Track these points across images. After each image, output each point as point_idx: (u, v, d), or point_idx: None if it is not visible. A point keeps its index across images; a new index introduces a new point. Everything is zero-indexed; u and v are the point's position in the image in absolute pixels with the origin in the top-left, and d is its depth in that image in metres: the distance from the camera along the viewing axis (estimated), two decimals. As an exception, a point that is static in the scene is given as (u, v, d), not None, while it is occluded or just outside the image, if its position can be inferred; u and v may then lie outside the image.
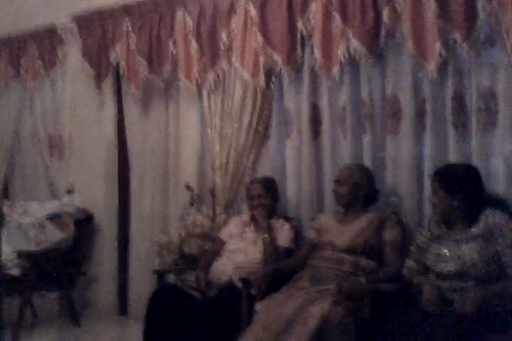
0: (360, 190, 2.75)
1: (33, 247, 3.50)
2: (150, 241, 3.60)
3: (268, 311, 2.46)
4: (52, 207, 3.81)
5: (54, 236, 3.57)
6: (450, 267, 2.23)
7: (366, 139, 2.97)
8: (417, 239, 2.46)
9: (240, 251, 2.97)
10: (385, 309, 2.29)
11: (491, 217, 2.23)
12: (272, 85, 3.25)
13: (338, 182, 2.78)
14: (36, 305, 3.76)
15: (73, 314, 3.68)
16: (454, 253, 2.25)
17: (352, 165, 2.85)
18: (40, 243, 3.54)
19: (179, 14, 3.52)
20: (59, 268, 3.59)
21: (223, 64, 3.39)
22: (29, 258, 3.43)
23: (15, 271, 3.38)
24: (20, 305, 3.41)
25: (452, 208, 2.30)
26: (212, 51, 3.42)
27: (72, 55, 4.10)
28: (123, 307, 3.88)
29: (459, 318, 2.04)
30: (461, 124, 2.72)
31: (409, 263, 2.44)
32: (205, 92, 3.50)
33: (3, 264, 3.07)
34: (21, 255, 3.41)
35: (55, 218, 3.70)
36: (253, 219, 3.08)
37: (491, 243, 2.19)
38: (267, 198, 3.05)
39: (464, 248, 2.23)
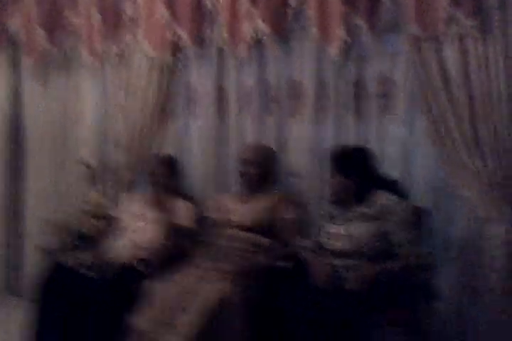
0: (269, 173, 2.78)
1: None
2: (44, 219, 3.43)
3: (165, 290, 2.44)
4: None
5: None
6: (342, 245, 2.31)
7: (270, 121, 3.00)
8: (312, 217, 2.53)
9: (140, 230, 2.90)
10: (281, 286, 2.33)
11: (382, 198, 2.32)
12: (177, 62, 3.17)
13: (248, 163, 2.77)
14: None
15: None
16: (346, 231, 2.33)
17: (260, 146, 2.86)
18: None
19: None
20: None
21: (127, 37, 3.25)
22: None
23: None
24: None
25: (346, 188, 2.37)
26: (115, 24, 3.28)
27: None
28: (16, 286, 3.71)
29: (350, 294, 2.12)
30: (360, 109, 2.81)
31: (305, 241, 2.51)
32: (107, 66, 3.36)
33: None
34: None
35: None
36: (154, 198, 3.01)
37: (381, 223, 2.28)
38: (168, 177, 3.00)
39: (356, 227, 2.32)
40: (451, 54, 2.54)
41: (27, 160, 3.70)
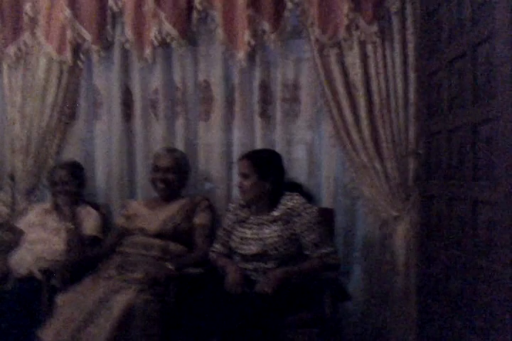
0: (185, 178, 2.76)
1: None
2: None
3: (70, 303, 2.33)
4: None
5: None
6: (253, 249, 2.32)
7: (178, 124, 2.96)
8: (223, 222, 2.52)
9: (41, 241, 2.76)
10: (191, 293, 2.30)
11: (290, 201, 2.34)
12: (79, 63, 3.04)
13: (165, 170, 2.70)
14: None
15: None
16: (256, 235, 2.34)
17: (175, 152, 2.79)
18: None
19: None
20: None
21: (26, 37, 3.10)
22: None
23: None
24: None
25: (262, 192, 2.37)
26: (14, 23, 3.11)
27: None
28: None
29: (261, 298, 2.12)
30: (267, 113, 2.84)
31: (217, 246, 2.50)
32: (5, 67, 3.17)
33: None
34: None
35: None
36: (56, 206, 2.88)
37: (289, 225, 2.31)
38: (71, 184, 2.87)
39: (266, 230, 2.33)
40: (352, 59, 2.63)
41: None
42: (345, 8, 2.58)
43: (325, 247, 2.28)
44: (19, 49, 3.13)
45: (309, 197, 2.47)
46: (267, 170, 2.37)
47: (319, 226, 2.30)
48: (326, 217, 2.46)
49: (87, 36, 2.98)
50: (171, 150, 2.80)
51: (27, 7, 3.07)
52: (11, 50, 3.13)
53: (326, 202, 2.71)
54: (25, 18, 3.08)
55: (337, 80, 2.64)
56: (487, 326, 1.79)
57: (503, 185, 1.67)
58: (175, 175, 2.71)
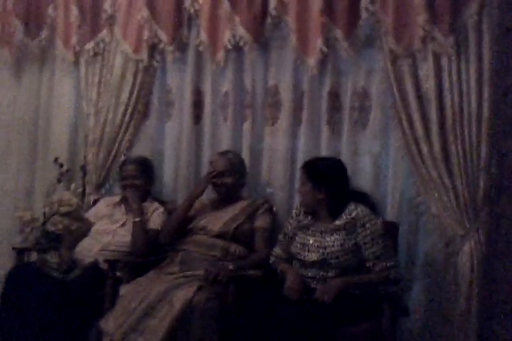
0: (242, 179, 2.80)
1: None
2: (12, 216, 3.36)
3: (132, 295, 2.43)
4: None
5: None
6: (313, 256, 2.33)
7: (246, 128, 3.00)
8: (285, 227, 2.55)
9: (108, 232, 2.88)
10: (251, 295, 2.34)
11: (354, 211, 2.34)
12: (154, 63, 3.14)
13: (221, 174, 2.74)
14: None
15: None
16: (318, 243, 2.35)
17: (229, 155, 2.83)
18: None
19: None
20: None
21: (105, 34, 3.21)
22: None
23: None
24: None
25: (318, 200, 2.39)
26: (94, 20, 3.24)
27: None
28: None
29: (319, 306, 2.14)
30: (335, 121, 2.84)
31: (277, 251, 2.53)
32: (83, 62, 3.31)
33: None
34: None
35: None
36: (124, 200, 2.98)
37: (352, 235, 2.31)
38: (140, 179, 2.96)
39: (328, 239, 2.34)
40: (425, 71, 2.59)
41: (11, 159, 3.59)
42: (421, 19, 2.55)
43: (387, 261, 2.26)
44: (97, 45, 3.25)
45: (374, 208, 2.46)
46: (321, 179, 2.37)
47: (383, 238, 2.29)
48: (390, 230, 2.44)
49: (163, 37, 3.06)
50: (225, 153, 2.84)
51: (106, 5, 3.18)
52: (90, 46, 3.25)
53: (390, 214, 2.68)
54: (104, 16, 3.19)
55: (409, 92, 2.61)
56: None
57: None
58: (232, 178, 2.74)
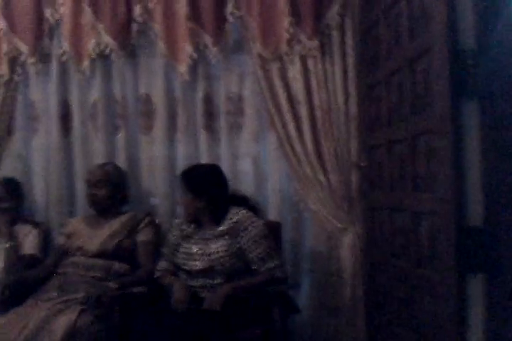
0: (118, 192, 2.67)
1: None
2: None
3: (10, 326, 2.21)
4: None
5: None
6: (199, 265, 2.28)
7: (119, 138, 2.90)
8: (168, 239, 2.47)
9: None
10: (136, 312, 2.24)
11: (235, 215, 2.32)
12: (16, 76, 2.94)
13: (95, 185, 2.62)
14: None
15: None
16: (202, 251, 2.31)
17: (106, 166, 2.71)
18: None
19: None
20: None
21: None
22: None
23: None
24: None
25: (199, 208, 2.35)
26: None
27: None
28: None
29: (209, 315, 2.09)
30: (211, 126, 2.83)
31: (162, 264, 2.45)
32: None
33: None
34: None
35: None
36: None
37: (236, 240, 2.29)
38: (9, 201, 2.76)
39: (212, 245, 2.30)
40: (293, 73, 2.66)
41: None
42: (286, 22, 2.62)
43: (272, 261, 2.26)
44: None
45: (256, 210, 2.45)
46: (199, 187, 2.34)
47: (266, 239, 2.29)
48: (273, 230, 2.45)
49: (24, 48, 2.89)
50: (102, 165, 2.72)
51: None
52: None
53: (272, 215, 2.71)
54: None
55: (280, 94, 2.66)
56: (430, 335, 1.83)
57: (442, 195, 1.72)
58: (106, 189, 2.62)
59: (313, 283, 2.70)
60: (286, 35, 2.63)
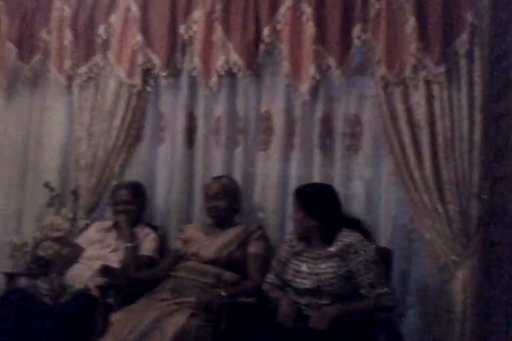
0: (234, 203, 2.79)
1: None
2: (2, 241, 3.33)
3: (124, 322, 2.38)
4: None
5: None
6: (307, 283, 2.31)
7: (238, 153, 3.01)
8: (278, 254, 2.53)
9: (99, 258, 2.83)
10: (243, 322, 2.31)
11: (347, 237, 2.33)
12: (148, 88, 3.15)
13: (214, 197, 2.75)
14: None
15: None
16: (311, 270, 2.33)
17: (222, 179, 2.84)
18: None
19: (57, 1, 3.29)
20: None
21: (98, 59, 3.22)
22: None
23: None
24: None
25: (310, 227, 2.39)
26: (87, 44, 3.24)
27: None
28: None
29: (313, 334, 2.11)
30: (327, 147, 2.87)
31: (271, 277, 2.51)
32: (75, 87, 3.30)
33: None
34: None
35: None
36: (116, 225, 2.96)
37: (346, 262, 2.30)
38: (133, 204, 2.95)
39: (321, 266, 2.32)
40: (417, 98, 2.64)
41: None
42: (413, 47, 2.60)
43: (382, 287, 2.25)
44: (91, 70, 3.25)
45: (367, 234, 2.45)
46: (313, 206, 2.38)
47: (377, 265, 2.28)
48: (383, 256, 2.43)
49: (157, 62, 3.08)
50: (219, 178, 2.85)
51: (100, 29, 3.19)
52: (83, 70, 3.25)
53: (383, 241, 2.69)
54: (98, 40, 3.20)
55: (401, 118, 2.65)
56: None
57: None
58: (224, 202, 2.75)
59: (420, 316, 2.64)
60: (412, 60, 2.61)
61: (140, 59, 3.09)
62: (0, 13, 3.44)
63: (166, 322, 2.31)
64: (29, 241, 3.15)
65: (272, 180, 2.94)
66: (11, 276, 2.96)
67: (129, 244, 2.82)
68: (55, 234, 3.08)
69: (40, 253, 3.04)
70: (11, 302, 2.68)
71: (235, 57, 2.91)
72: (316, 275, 2.31)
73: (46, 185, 3.29)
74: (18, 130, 3.49)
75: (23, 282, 3.07)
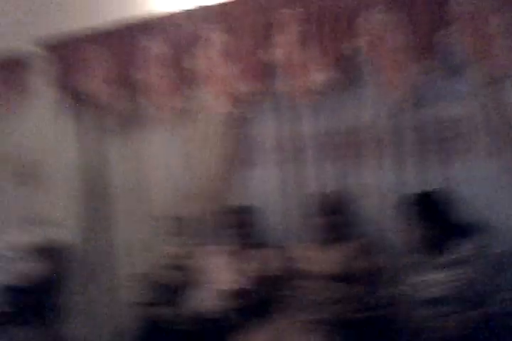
0: (345, 219, 2.86)
1: (14, 280, 3.46)
2: (130, 273, 3.54)
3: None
4: (29, 238, 3.71)
5: (33, 268, 3.52)
6: (432, 293, 2.32)
7: (340, 167, 3.05)
8: (396, 265, 2.54)
9: (225, 281, 2.95)
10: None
11: (468, 243, 2.32)
12: (244, 112, 3.24)
13: (325, 214, 2.82)
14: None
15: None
16: (434, 279, 2.34)
17: (336, 194, 2.91)
18: (20, 276, 3.49)
19: (150, 43, 3.45)
20: (41, 300, 3.52)
21: (193, 91, 3.34)
22: (15, 292, 3.40)
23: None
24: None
25: (428, 236, 2.39)
26: (179, 78, 3.36)
27: (38, 82, 3.98)
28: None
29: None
30: (440, 151, 2.82)
31: (393, 289, 2.52)
32: (173, 119, 3.45)
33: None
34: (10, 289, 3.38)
35: (33, 250, 3.63)
36: (236, 248, 3.06)
37: (469, 269, 2.28)
38: (249, 227, 3.07)
39: (444, 274, 2.32)
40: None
41: (114, 217, 3.79)
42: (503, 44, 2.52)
43: (506, 292, 2.23)
44: (184, 102, 3.37)
45: (487, 238, 2.40)
46: (431, 213, 2.39)
47: (499, 270, 2.27)
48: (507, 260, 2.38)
49: (250, 88, 3.13)
50: (327, 195, 2.91)
51: (188, 63, 3.30)
52: (179, 103, 3.37)
53: (502, 244, 2.53)
54: (188, 74, 3.31)
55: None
56: None
57: None
58: (336, 218, 2.81)
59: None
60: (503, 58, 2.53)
61: (231, 87, 3.18)
62: (95, 57, 3.63)
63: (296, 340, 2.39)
64: (148, 271, 3.30)
65: (383, 191, 2.91)
66: (141, 307, 3.14)
67: (252, 266, 2.92)
68: (175, 262, 3.22)
69: (163, 281, 3.19)
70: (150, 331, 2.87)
71: (321, 75, 2.92)
72: (441, 283, 2.30)
73: (158, 215, 3.44)
74: (134, 168, 3.67)
75: (148, 310, 3.19)
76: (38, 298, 3.51)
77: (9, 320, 3.36)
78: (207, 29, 3.25)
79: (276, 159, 3.22)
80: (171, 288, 3.17)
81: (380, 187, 2.93)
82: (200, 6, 3.26)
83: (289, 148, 3.20)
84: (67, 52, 3.78)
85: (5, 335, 3.37)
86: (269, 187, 3.25)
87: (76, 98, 3.79)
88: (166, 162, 3.56)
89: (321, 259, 2.79)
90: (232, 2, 3.17)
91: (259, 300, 2.77)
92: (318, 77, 2.95)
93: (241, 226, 3.06)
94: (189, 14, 3.30)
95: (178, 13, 3.34)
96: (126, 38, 3.55)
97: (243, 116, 3.27)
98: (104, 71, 3.63)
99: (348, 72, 2.94)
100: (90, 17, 3.66)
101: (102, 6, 3.71)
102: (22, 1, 4.05)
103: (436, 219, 2.39)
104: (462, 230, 2.40)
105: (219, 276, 3.02)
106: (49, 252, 3.68)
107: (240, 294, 2.75)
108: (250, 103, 3.21)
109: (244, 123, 3.31)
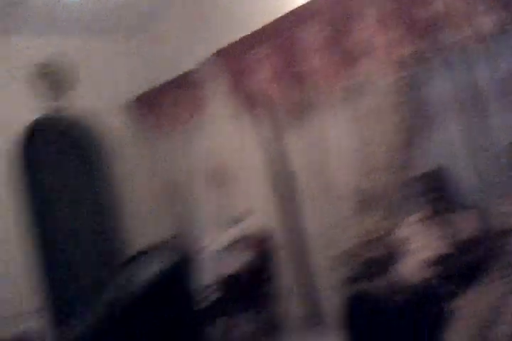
0: None
1: (225, 271, 3.80)
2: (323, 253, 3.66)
3: (473, 304, 2.39)
4: (236, 232, 4.06)
5: (242, 258, 3.83)
6: None
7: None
8: None
9: (423, 248, 2.90)
10: None
11: None
12: (413, 76, 3.13)
13: None
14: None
15: (273, 331, 3.87)
16: None
17: None
18: (230, 266, 3.82)
19: (307, 30, 3.55)
20: (252, 287, 3.82)
21: (356, 67, 3.32)
22: (228, 282, 3.74)
23: (217, 295, 3.71)
24: (226, 327, 3.71)
25: None
26: (343, 56, 3.38)
27: (212, 90, 4.37)
28: (315, 318, 3.96)
29: None
30: None
31: None
32: (345, 99, 3.47)
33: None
34: (222, 279, 3.73)
35: (239, 242, 3.96)
36: (432, 213, 3.00)
37: None
38: (443, 190, 3.00)
39: None
40: None
41: (301, 201, 3.97)
42: None
43: None
44: (348, 79, 3.38)
45: None
46: None
47: None
48: None
49: (411, 50, 3.04)
50: None
51: (346, 37, 3.31)
52: (341, 82, 3.42)
53: None
54: (347, 48, 3.33)
55: None
56: None
57: None
58: None
59: None
60: None
61: (394, 53, 3.09)
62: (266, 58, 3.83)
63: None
64: (355, 248, 3.32)
65: None
66: (351, 282, 3.19)
67: (450, 230, 2.83)
68: (375, 235, 3.23)
69: (367, 255, 3.21)
70: (359, 304, 2.91)
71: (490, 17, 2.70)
72: None
73: (351, 192, 3.46)
74: (315, 151, 3.78)
75: (358, 285, 3.24)
76: (254, 285, 3.76)
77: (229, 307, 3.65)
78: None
79: (455, 116, 3.05)
80: (376, 262, 3.17)
81: None
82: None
83: (467, 102, 3.01)
84: (235, 58, 4.04)
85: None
86: (453, 148, 3.10)
87: (250, 100, 4.04)
88: (344, 143, 3.60)
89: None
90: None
91: (464, 265, 2.65)
92: (486, 20, 2.75)
93: (433, 191, 2.99)
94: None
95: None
96: (285, 32, 3.68)
97: (413, 79, 3.17)
98: (271, 68, 3.80)
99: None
100: (252, 22, 3.87)
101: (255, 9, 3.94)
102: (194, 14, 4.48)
103: None
104: None
105: (420, 245, 2.96)
106: (257, 241, 3.94)
107: (444, 260, 2.63)
108: (417, 65, 3.11)
109: (415, 87, 3.20)
